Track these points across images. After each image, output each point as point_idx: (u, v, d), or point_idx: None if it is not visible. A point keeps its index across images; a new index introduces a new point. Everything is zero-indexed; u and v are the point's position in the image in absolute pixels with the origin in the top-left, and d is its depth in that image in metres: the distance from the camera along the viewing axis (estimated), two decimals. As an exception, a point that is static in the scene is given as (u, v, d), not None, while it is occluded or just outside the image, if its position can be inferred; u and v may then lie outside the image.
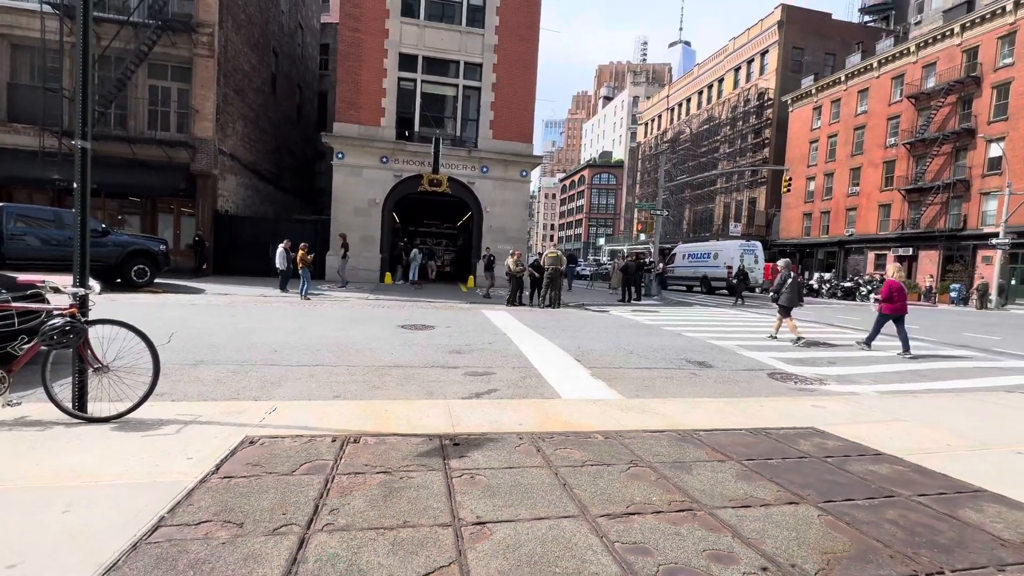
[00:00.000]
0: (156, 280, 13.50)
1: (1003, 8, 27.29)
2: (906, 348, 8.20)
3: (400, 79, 18.95)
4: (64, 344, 3.13)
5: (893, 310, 8.51)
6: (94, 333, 3.35)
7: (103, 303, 7.74)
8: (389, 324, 9.38)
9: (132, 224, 18.78)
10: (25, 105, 16.77)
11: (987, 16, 28.16)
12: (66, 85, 16.14)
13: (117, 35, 16.45)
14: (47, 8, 16.20)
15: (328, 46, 32.28)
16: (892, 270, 9.42)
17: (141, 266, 12.92)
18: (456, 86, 19.52)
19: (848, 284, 27.89)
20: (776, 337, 9.69)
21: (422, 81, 19.17)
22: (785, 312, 9.48)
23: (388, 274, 19.37)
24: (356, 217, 18.93)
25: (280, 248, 14.40)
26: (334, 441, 3.14)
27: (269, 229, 19.38)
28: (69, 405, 3.26)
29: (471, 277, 20.24)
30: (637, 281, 18.37)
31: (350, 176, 18.76)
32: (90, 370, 3.33)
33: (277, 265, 14.28)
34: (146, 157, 17.26)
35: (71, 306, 3.28)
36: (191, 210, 18.58)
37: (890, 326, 8.66)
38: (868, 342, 8.85)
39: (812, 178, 39.21)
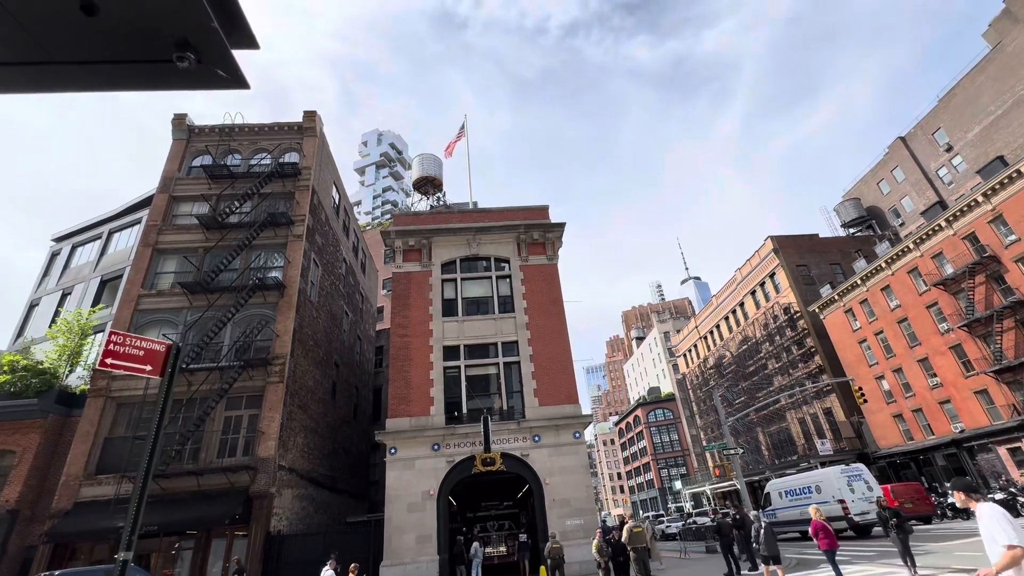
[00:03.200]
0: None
1: (975, 201, 29.93)
2: None
3: (445, 368, 20.48)
4: None
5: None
6: None
7: None
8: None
9: (184, 559, 17.94)
10: (113, 457, 18.30)
11: (963, 210, 30.70)
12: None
13: (206, 379, 19.09)
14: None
15: (382, 347, 36.57)
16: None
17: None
18: (497, 364, 20.84)
19: (1000, 496, 22.70)
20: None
21: (465, 366, 20.64)
22: (771, 561, 11.00)
23: (448, 580, 16.88)
24: (411, 514, 17.73)
25: (326, 572, 13.02)
26: None
27: (319, 544, 18.09)
28: None
29: (542, 568, 17.37)
30: (745, 542, 15.27)
31: (403, 470, 18.41)
32: None
33: (324, 591, 12.68)
34: (210, 487, 17.66)
35: None
36: (244, 532, 17.90)
37: None
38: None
39: (881, 377, 36.74)
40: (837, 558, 10.75)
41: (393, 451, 18.66)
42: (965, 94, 41.98)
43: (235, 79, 1.89)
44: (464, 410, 19.78)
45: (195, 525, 17.67)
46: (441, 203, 47.83)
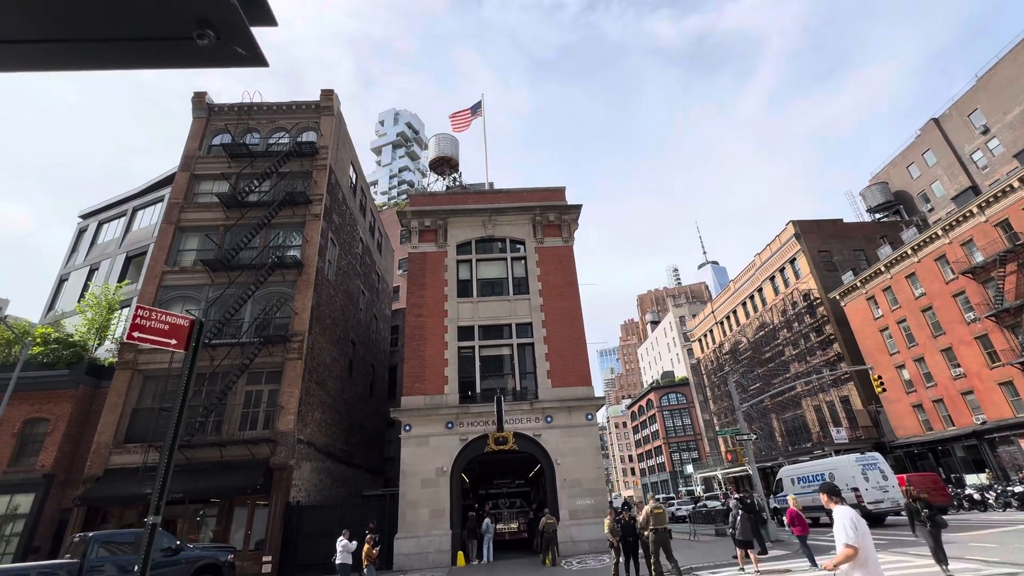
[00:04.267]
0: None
1: (1011, 186, 28.76)
2: None
3: (460, 348, 20.69)
4: None
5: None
6: None
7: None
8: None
9: (208, 525, 18.73)
10: (140, 427, 19.03)
11: (997, 196, 29.53)
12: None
13: (228, 355, 19.61)
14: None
15: (398, 327, 37.02)
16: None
17: (206, 583, 12.22)
18: (511, 345, 20.97)
19: (1021, 488, 22.33)
20: (744, 570, 12.08)
21: (480, 347, 20.81)
22: (744, 546, 12.21)
23: (460, 554, 17.35)
24: (424, 490, 18.18)
25: (341, 542, 13.44)
26: None
27: (336, 516, 18.68)
28: None
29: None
30: (756, 527, 15.34)
31: (417, 447, 18.81)
32: None
33: (337, 561, 13.14)
34: (232, 458, 18.31)
35: None
36: (265, 502, 18.56)
37: None
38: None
39: (901, 366, 36.06)
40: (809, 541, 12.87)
41: (408, 428, 19.04)
42: (1006, 73, 39.97)
43: (254, 56, 1.90)
44: (478, 390, 20.04)
45: (218, 494, 18.37)
46: (457, 184, 47.69)
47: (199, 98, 25.39)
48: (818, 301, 42.13)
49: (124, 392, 19.32)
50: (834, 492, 4.63)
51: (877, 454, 21.97)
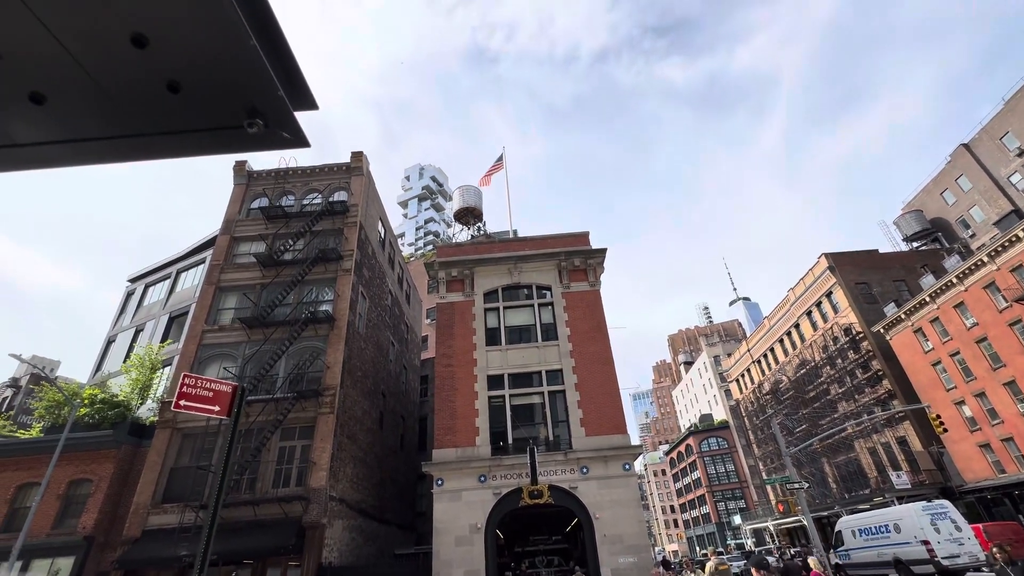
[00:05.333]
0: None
1: (1057, 208, 27.51)
2: None
3: (490, 397, 20.41)
4: None
5: None
6: None
7: None
8: None
9: (240, 589, 18.31)
10: (178, 486, 19.17)
11: (1045, 217, 28.24)
12: (213, 462, 18.68)
13: (262, 410, 19.85)
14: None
15: (427, 376, 36.96)
16: None
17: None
18: (541, 393, 20.58)
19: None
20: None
21: (510, 395, 20.50)
22: None
23: (497, 618, 16.40)
24: (458, 548, 17.47)
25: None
26: None
27: (370, 577, 18.06)
28: None
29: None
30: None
31: (450, 503, 18.27)
32: None
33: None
34: (265, 516, 18.12)
35: None
36: (297, 563, 18.13)
37: None
38: None
39: (961, 402, 33.61)
40: None
41: (440, 483, 18.59)
42: (1034, 95, 39.18)
43: (297, 139, 2.03)
44: (510, 440, 19.55)
45: (251, 555, 18.08)
46: (481, 232, 48.79)
47: (240, 166, 27.16)
48: (861, 335, 40.25)
49: (163, 451, 19.62)
50: (762, 566, 4.29)
51: (946, 502, 20.13)
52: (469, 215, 50.09)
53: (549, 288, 22.97)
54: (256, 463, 19.02)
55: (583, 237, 24.40)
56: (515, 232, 35.37)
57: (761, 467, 56.40)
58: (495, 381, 20.80)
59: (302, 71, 1.92)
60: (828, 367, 43.56)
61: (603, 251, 23.23)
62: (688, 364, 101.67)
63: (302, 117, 2.14)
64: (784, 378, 50.09)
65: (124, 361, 27.04)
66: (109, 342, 31.19)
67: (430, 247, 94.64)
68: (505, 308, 22.64)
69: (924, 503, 20.16)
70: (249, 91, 1.80)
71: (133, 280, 33.75)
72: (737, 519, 62.90)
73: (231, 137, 1.97)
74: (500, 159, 35.22)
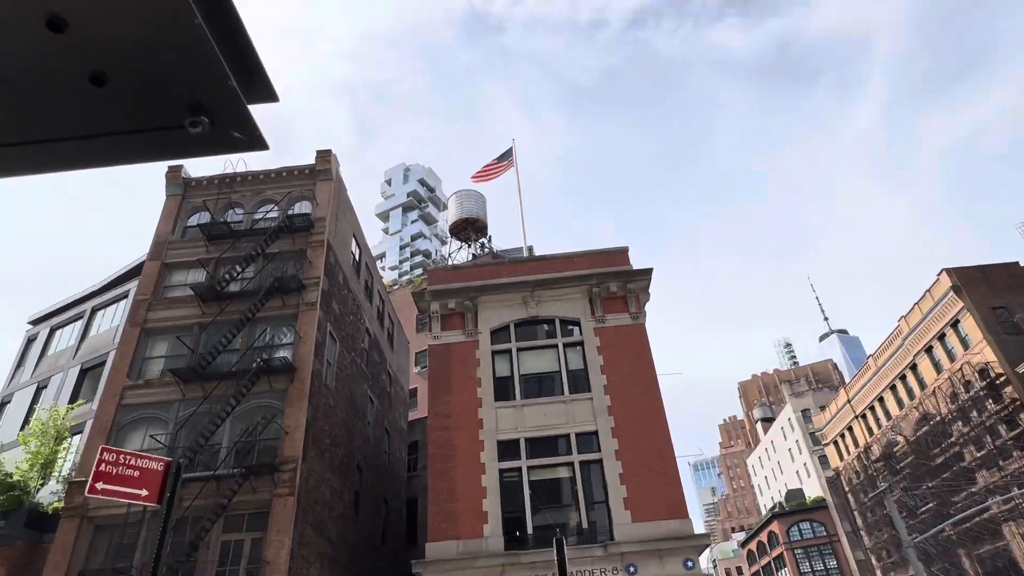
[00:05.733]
0: None
1: None
2: None
3: (502, 471, 20.19)
4: None
5: None
6: None
7: None
8: None
9: None
10: (88, 596, 19.06)
11: None
12: (135, 563, 18.57)
13: (200, 492, 19.82)
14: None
15: (417, 443, 36.74)
16: None
17: None
18: (570, 464, 20.31)
19: None
20: None
21: (528, 467, 20.26)
22: None
23: None
24: None
25: None
26: None
27: None
28: None
29: None
30: None
31: (450, 615, 17.87)
32: None
33: None
34: (202, 638, 17.87)
35: None
36: None
37: None
38: None
39: None
40: None
41: (436, 588, 18.23)
42: None
43: (252, 140, 2.08)
44: (529, 529, 19.23)
45: None
46: (486, 251, 49.20)
47: (174, 173, 27.91)
48: (1002, 378, 39.32)
49: (70, 547, 19.59)
50: None
51: None
52: (469, 228, 50.66)
53: (577, 323, 22.93)
54: (191, 563, 18.88)
55: (621, 254, 24.49)
56: (530, 250, 35.60)
57: (875, 562, 54.62)
58: (508, 448, 20.60)
59: (258, 55, 1.98)
60: (960, 422, 42.48)
61: (648, 272, 23.23)
62: (767, 421, 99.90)
63: (258, 111, 2.20)
64: (900, 438, 48.93)
65: (21, 429, 27.33)
66: (3, 404, 31.62)
67: (419, 271, 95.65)
68: (519, 350, 22.60)
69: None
70: (193, 81, 1.86)
71: (35, 322, 34.45)
72: (845, 636, 60.49)
73: (170, 139, 2.03)
74: (508, 154, 35.81)
